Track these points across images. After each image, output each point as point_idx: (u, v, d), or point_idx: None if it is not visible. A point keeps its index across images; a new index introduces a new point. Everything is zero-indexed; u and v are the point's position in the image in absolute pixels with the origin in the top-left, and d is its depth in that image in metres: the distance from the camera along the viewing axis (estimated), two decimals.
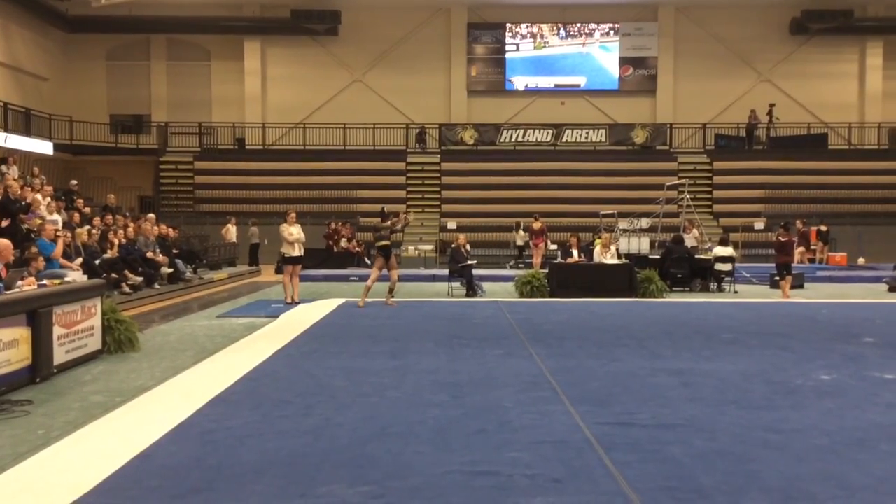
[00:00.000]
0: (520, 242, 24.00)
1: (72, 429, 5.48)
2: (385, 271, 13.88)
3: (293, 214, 14.32)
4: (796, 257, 20.59)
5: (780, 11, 31.81)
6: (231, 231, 24.66)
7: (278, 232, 14.24)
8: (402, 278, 20.33)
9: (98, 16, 29.11)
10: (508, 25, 32.86)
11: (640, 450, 4.93)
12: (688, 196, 21.46)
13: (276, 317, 11.97)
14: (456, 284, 16.28)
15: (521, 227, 24.08)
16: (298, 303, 13.80)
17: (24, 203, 13.96)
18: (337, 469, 4.57)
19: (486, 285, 16.87)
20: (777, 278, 16.69)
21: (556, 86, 33.06)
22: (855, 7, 31.21)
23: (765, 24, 32.37)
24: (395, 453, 4.85)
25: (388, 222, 14.58)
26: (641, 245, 19.76)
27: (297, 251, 14.04)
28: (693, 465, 4.64)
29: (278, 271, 22.66)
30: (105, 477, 4.42)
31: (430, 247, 25.71)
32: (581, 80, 33.00)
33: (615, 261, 16.50)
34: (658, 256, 18.03)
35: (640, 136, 31.11)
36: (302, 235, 14.19)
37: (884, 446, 5.07)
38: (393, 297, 13.87)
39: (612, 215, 23.12)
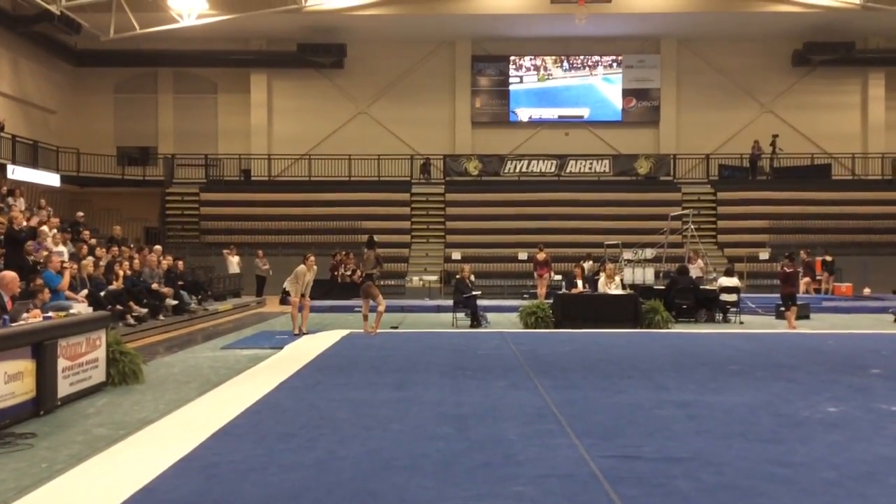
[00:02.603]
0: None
1: (75, 462, 5.47)
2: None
3: (312, 259, 14.33)
4: (801, 288, 20.55)
5: (782, 43, 32.03)
6: (232, 261, 24.66)
7: (294, 272, 14.19)
8: (407, 309, 20.54)
9: (106, 49, 29.41)
10: (512, 58, 33.12)
11: (646, 484, 4.89)
12: (692, 226, 21.46)
13: (281, 348, 11.95)
14: (460, 315, 16.26)
15: (591, 258, 22.34)
16: (305, 333, 13.82)
17: (27, 229, 14.01)
18: (341, 503, 4.54)
19: (490, 316, 16.84)
20: (782, 309, 16.64)
21: (560, 117, 33.25)
22: (856, 39, 31.39)
23: (767, 56, 32.58)
24: (400, 487, 4.82)
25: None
26: (646, 275, 19.71)
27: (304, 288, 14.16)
28: (700, 500, 4.60)
29: (283, 302, 22.73)
30: None
31: (434, 277, 25.71)
32: (584, 112, 33.18)
33: (620, 291, 16.48)
34: (663, 287, 18.00)
35: (643, 167, 31.20)
36: (312, 281, 14.31)
37: (892, 480, 5.02)
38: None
39: (616, 246, 23.11)
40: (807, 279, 22.98)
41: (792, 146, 31.39)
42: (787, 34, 31.31)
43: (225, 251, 25.04)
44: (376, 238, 23.64)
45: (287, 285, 14.31)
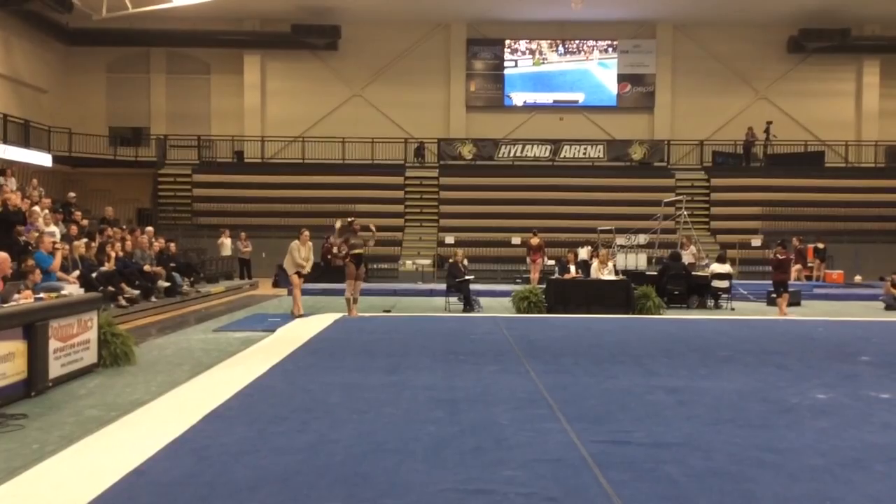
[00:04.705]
0: (584, 256, 20.38)
1: (66, 443, 5.47)
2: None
3: (306, 233, 14.30)
4: (793, 275, 20.62)
5: (778, 30, 31.98)
6: (226, 244, 24.68)
7: (288, 248, 14.14)
8: (399, 293, 20.54)
9: (98, 28, 29.18)
10: (507, 42, 33.01)
11: (636, 469, 4.93)
12: (685, 212, 21.50)
13: (273, 331, 11.94)
14: (453, 299, 16.28)
15: (589, 244, 22.10)
16: (300, 316, 13.83)
17: (17, 210, 13.98)
18: (332, 486, 4.56)
19: (483, 300, 16.88)
20: (774, 295, 16.71)
21: (555, 102, 33.19)
22: (852, 26, 31.36)
23: (762, 43, 32.55)
24: (390, 471, 4.84)
25: (359, 232, 14.41)
26: (639, 261, 19.78)
27: (304, 269, 14.12)
28: (688, 485, 4.64)
29: (276, 284, 22.72)
30: (99, 493, 4.41)
31: (427, 261, 25.72)
32: (579, 97, 33.13)
33: (612, 277, 16.52)
34: (655, 273, 18.05)
35: (637, 153, 31.21)
36: (310, 258, 14.26)
37: (879, 467, 5.06)
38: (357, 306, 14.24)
39: (609, 231, 23.15)
40: (798, 266, 23.06)
41: (786, 133, 31.43)
42: (782, 20, 31.26)
43: (223, 238, 24.97)
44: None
45: (285, 265, 14.28)
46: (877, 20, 31.59)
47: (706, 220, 29.59)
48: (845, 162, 31.98)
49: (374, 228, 14.92)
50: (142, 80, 32.56)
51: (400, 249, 27.64)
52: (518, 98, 33.20)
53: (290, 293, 14.24)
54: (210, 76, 32.75)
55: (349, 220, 14.80)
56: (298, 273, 14.10)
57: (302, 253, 13.99)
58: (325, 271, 23.47)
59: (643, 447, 5.42)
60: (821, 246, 24.73)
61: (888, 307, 17.49)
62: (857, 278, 23.94)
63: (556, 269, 18.06)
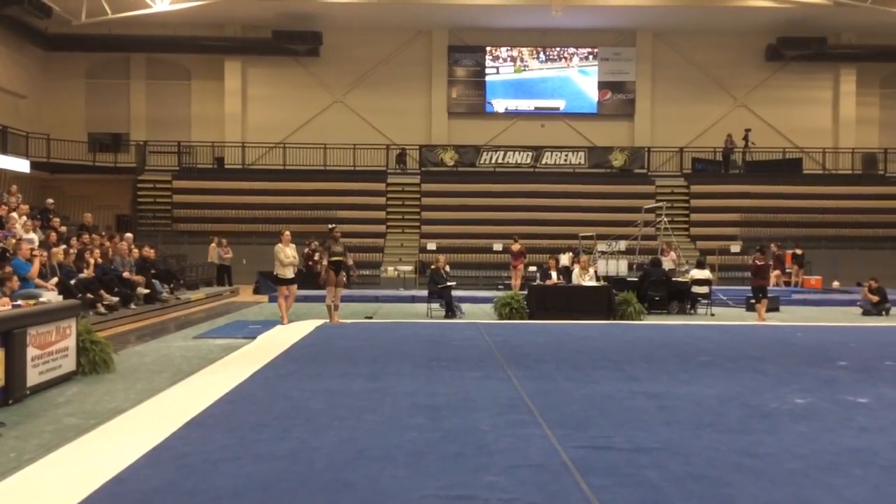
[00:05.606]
0: (565, 262, 20.38)
1: (44, 452, 5.42)
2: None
3: (287, 234, 14.13)
4: (772, 280, 20.80)
5: (756, 38, 32.31)
6: (214, 251, 24.59)
7: (274, 254, 14.01)
8: (381, 299, 20.50)
9: (78, 34, 28.98)
10: (489, 48, 33.11)
11: (617, 473, 4.95)
12: (665, 219, 21.64)
13: (254, 338, 11.89)
14: (435, 306, 16.28)
15: (570, 250, 22.10)
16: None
17: None
18: (313, 494, 4.55)
19: (465, 306, 16.89)
20: (753, 301, 16.84)
21: (536, 108, 33.31)
22: (829, 35, 31.74)
23: (741, 51, 32.86)
24: (372, 478, 4.84)
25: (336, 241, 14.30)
26: (619, 267, 19.85)
27: (290, 273, 13.97)
28: (669, 489, 4.67)
29: (257, 291, 22.61)
30: (78, 501, 4.38)
31: (409, 268, 25.71)
32: (560, 104, 33.27)
33: (594, 283, 16.59)
34: (636, 279, 18.13)
35: (618, 160, 31.39)
36: (296, 257, 14.13)
37: (857, 470, 5.12)
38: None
39: (590, 237, 23.25)
40: (777, 272, 23.25)
41: (764, 140, 31.72)
42: (761, 29, 31.59)
43: (213, 245, 24.80)
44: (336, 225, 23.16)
45: (276, 270, 14.11)
46: (853, 29, 31.99)
47: (686, 226, 29.78)
48: (823, 169, 32.32)
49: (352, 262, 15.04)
50: (121, 85, 32.32)
51: (382, 256, 27.61)
52: (499, 105, 33.29)
53: (271, 300, 14.08)
54: (190, 82, 32.58)
55: (330, 226, 14.73)
56: (286, 280, 13.93)
57: (287, 253, 13.86)
58: (308, 277, 23.41)
59: (624, 452, 5.45)
60: (799, 252, 24.95)
61: (865, 312, 17.66)
62: (835, 284, 24.16)
63: (538, 275, 18.09)
